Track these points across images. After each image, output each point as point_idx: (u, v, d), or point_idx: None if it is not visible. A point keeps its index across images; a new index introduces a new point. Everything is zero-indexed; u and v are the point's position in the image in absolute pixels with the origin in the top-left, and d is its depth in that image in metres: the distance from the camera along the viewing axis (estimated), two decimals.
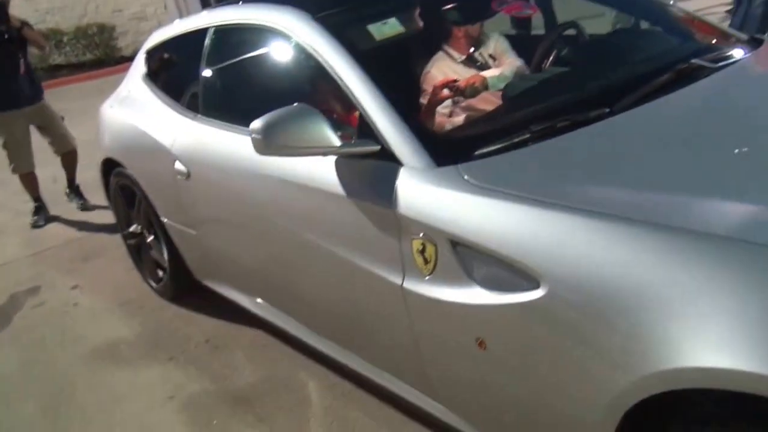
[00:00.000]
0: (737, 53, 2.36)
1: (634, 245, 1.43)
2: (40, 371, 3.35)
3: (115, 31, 12.60)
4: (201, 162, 2.86)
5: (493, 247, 1.65)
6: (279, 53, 2.63)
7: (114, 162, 3.70)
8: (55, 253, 4.80)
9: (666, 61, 2.28)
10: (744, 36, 2.60)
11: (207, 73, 3.02)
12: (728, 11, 6.82)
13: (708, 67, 2.20)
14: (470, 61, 2.68)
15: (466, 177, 1.82)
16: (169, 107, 3.24)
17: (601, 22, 2.97)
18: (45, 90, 5.45)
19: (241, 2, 2.96)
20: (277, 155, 2.09)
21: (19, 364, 3.45)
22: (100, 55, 12.37)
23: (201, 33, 3.06)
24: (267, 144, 2.01)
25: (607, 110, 2.00)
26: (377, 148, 2.02)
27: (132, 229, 3.87)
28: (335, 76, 2.22)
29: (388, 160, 2.00)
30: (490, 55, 2.75)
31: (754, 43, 2.53)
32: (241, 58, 2.94)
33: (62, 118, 5.48)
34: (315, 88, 2.48)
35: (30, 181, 5.42)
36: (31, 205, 5.50)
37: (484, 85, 2.48)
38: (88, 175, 5.57)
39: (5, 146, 5.29)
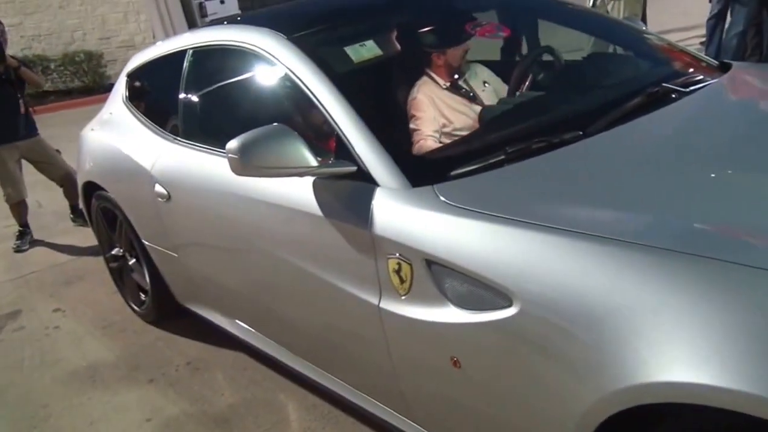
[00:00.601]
0: (707, 78, 2.38)
1: (604, 263, 1.42)
2: (17, 394, 3.28)
3: (103, 58, 12.56)
4: (181, 184, 2.83)
5: (467, 266, 1.63)
6: (255, 74, 2.62)
7: (95, 185, 3.66)
8: (38, 277, 4.74)
9: (638, 86, 2.29)
10: (714, 62, 2.63)
11: (185, 94, 3.00)
12: (702, 42, 6.93)
13: (679, 91, 2.21)
14: (455, 88, 2.66)
15: (441, 197, 1.80)
16: (150, 130, 3.22)
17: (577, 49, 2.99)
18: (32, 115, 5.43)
19: (225, 22, 2.96)
20: (253, 176, 2.06)
21: None
22: (89, 83, 12.31)
23: (179, 55, 3.05)
24: (243, 164, 1.99)
25: (581, 133, 2.00)
26: (353, 168, 2.01)
27: (114, 252, 3.83)
28: (312, 97, 2.21)
29: (365, 181, 1.98)
30: (485, 82, 2.75)
31: (723, 68, 2.55)
32: (219, 79, 2.93)
33: (58, 152, 5.45)
34: (292, 109, 2.47)
35: (20, 209, 5.40)
36: (14, 229, 5.43)
37: None
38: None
39: None
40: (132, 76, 3.66)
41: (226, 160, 2.05)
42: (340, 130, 2.09)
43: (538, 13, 3.14)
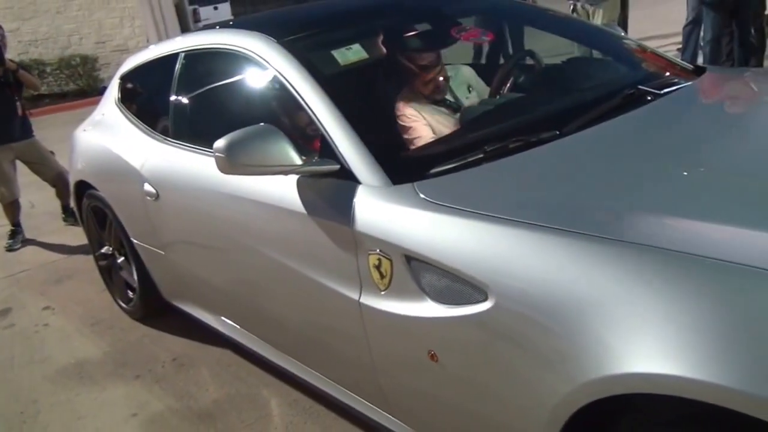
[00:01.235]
0: (681, 81, 2.40)
1: (576, 258, 1.43)
2: (6, 390, 3.26)
3: (97, 62, 12.56)
4: (169, 183, 2.84)
5: (444, 261, 1.64)
6: (245, 77, 2.63)
7: (86, 184, 3.66)
8: (29, 276, 4.72)
9: (614, 88, 2.32)
10: (689, 66, 2.66)
11: (177, 96, 3.00)
12: (678, 49, 7.00)
13: (653, 93, 2.23)
14: (438, 102, 2.61)
15: (421, 195, 1.82)
16: (140, 130, 3.22)
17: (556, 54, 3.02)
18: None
19: (217, 27, 2.97)
20: (239, 174, 2.08)
21: None
22: (83, 86, 12.30)
23: (171, 58, 3.06)
24: (230, 163, 2.00)
25: (557, 132, 2.02)
26: (336, 167, 2.02)
27: (103, 250, 3.83)
28: (299, 98, 2.23)
29: (347, 179, 1.99)
30: (469, 86, 2.75)
31: (698, 72, 2.58)
32: (210, 81, 2.94)
33: (52, 153, 5.45)
34: (280, 110, 2.48)
35: (12, 209, 5.38)
36: (6, 228, 5.41)
37: None
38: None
39: None
40: (125, 79, 3.66)
41: (213, 160, 2.06)
42: (325, 129, 2.10)
43: (521, 20, 3.17)
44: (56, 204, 5.67)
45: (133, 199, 3.13)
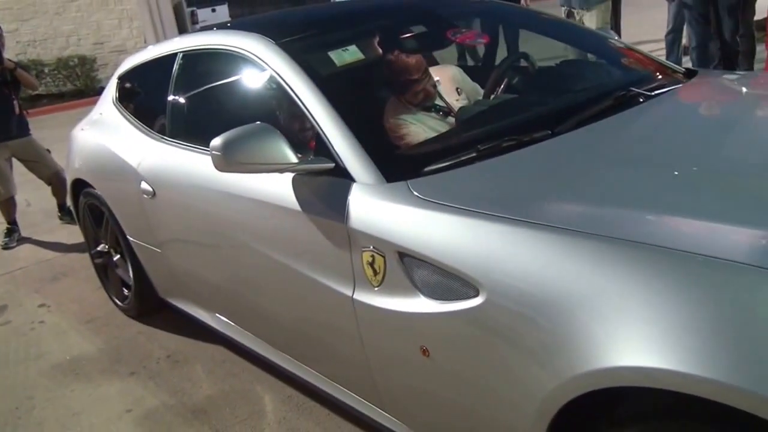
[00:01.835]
0: (672, 83, 2.43)
1: (567, 253, 1.45)
2: (2, 386, 3.26)
3: (96, 62, 12.55)
4: (166, 181, 2.85)
5: (437, 258, 1.66)
6: (243, 77, 2.65)
7: (83, 182, 3.66)
8: (25, 273, 4.71)
9: (606, 89, 2.35)
10: (681, 68, 2.68)
11: (174, 96, 3.02)
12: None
13: (644, 95, 2.25)
14: (427, 109, 2.57)
15: (414, 192, 1.83)
16: (138, 129, 3.23)
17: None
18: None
19: (214, 28, 2.99)
20: (235, 171, 2.09)
21: None
22: (81, 86, 12.29)
23: (169, 58, 3.07)
24: (226, 161, 2.02)
25: (549, 132, 2.04)
26: (332, 165, 2.04)
27: (99, 248, 3.83)
28: (295, 98, 2.25)
29: (342, 177, 2.01)
30: (458, 88, 2.77)
31: (689, 75, 2.61)
32: (208, 81, 2.96)
33: (48, 152, 5.44)
34: (277, 110, 2.50)
35: (8, 206, 5.37)
36: (2, 226, 5.41)
37: None
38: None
39: None
40: (123, 78, 3.67)
41: (210, 158, 2.08)
42: (320, 128, 2.12)
43: (516, 23, 3.19)
44: (52, 202, 5.67)
45: (129, 197, 3.14)
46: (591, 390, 1.35)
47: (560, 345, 1.40)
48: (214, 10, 15.12)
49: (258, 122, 2.07)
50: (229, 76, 2.76)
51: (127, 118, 3.39)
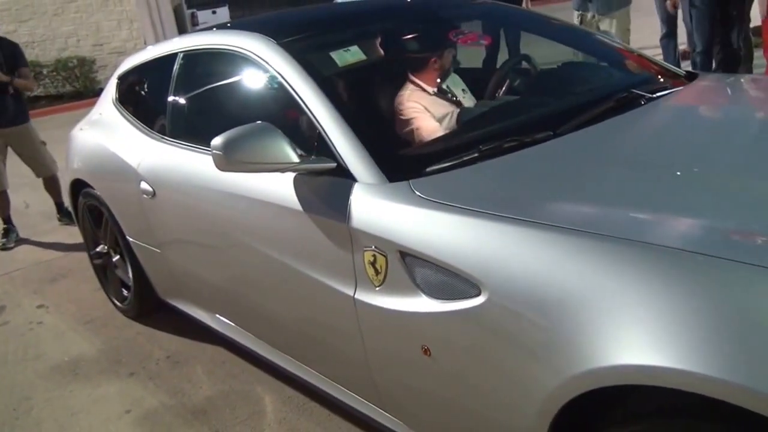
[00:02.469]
0: (674, 86, 2.44)
1: (569, 253, 1.46)
2: (0, 386, 3.26)
3: (95, 64, 12.54)
4: (166, 181, 2.85)
5: (439, 257, 1.67)
6: (244, 77, 2.65)
7: (82, 182, 3.67)
8: (23, 274, 4.71)
9: (607, 91, 2.36)
10: (681, 71, 2.69)
11: (175, 96, 3.02)
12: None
13: (646, 97, 2.26)
14: (441, 93, 2.67)
15: (416, 192, 1.84)
16: (137, 129, 3.23)
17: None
18: None
19: (214, 29, 2.99)
20: (236, 171, 2.10)
21: None
22: (80, 87, 12.27)
23: (170, 58, 3.08)
24: (227, 160, 2.02)
25: (551, 133, 2.05)
26: (333, 165, 2.04)
27: (99, 249, 3.83)
28: (297, 98, 2.25)
29: (344, 177, 2.02)
30: (463, 90, 2.78)
31: (689, 77, 2.62)
32: (208, 81, 2.97)
33: (43, 143, 5.41)
34: (278, 109, 2.50)
35: (1, 201, 5.31)
36: (1, 227, 5.40)
37: None
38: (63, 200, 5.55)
39: None
40: (122, 78, 3.67)
41: (210, 158, 2.08)
42: (322, 128, 2.13)
43: (518, 25, 3.20)
44: (50, 204, 5.66)
45: (129, 198, 3.14)
46: (593, 389, 1.36)
47: (562, 344, 1.40)
48: (214, 12, 15.12)
49: (259, 121, 2.08)
50: (230, 76, 2.76)
51: (126, 118, 3.39)
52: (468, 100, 2.74)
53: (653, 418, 1.36)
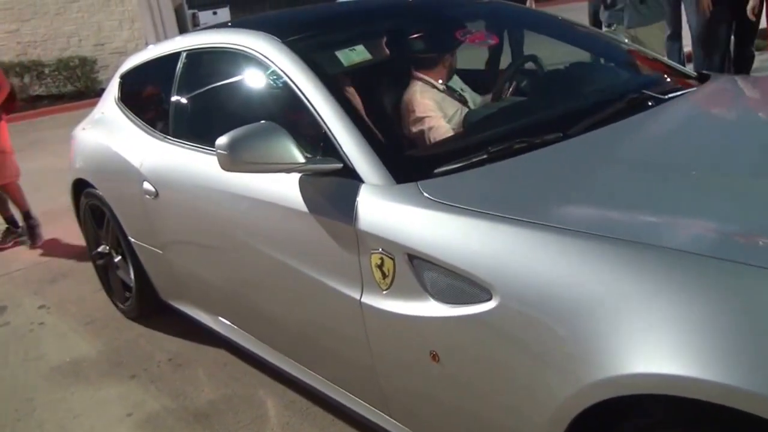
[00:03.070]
0: (686, 86, 2.39)
1: (584, 257, 1.41)
2: (1, 388, 3.22)
3: (96, 64, 12.50)
4: (169, 182, 2.81)
5: (448, 260, 1.62)
6: (249, 76, 2.62)
7: (84, 182, 3.63)
8: (24, 274, 4.67)
9: (618, 92, 2.32)
10: (692, 72, 2.65)
11: (178, 95, 2.98)
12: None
13: (658, 98, 2.22)
14: (450, 91, 2.64)
15: (425, 194, 1.80)
16: (140, 129, 3.19)
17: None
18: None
19: (218, 27, 2.96)
20: (241, 171, 2.06)
21: None
22: (81, 87, 12.24)
23: (173, 57, 3.04)
24: (232, 160, 1.98)
25: (561, 134, 2.01)
26: (339, 165, 2.00)
27: (100, 249, 3.79)
28: (302, 97, 2.21)
29: (350, 178, 1.98)
30: (461, 89, 2.75)
31: (701, 78, 2.57)
32: (212, 80, 2.93)
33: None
34: (283, 109, 2.46)
35: None
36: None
37: None
38: (62, 201, 5.49)
39: None
40: (125, 78, 3.63)
41: (214, 158, 2.04)
42: (328, 128, 2.09)
43: (524, 24, 3.16)
44: (53, 204, 5.59)
45: (131, 198, 3.10)
46: (608, 398, 1.31)
47: (577, 351, 1.36)
48: (215, 13, 15.10)
49: (265, 121, 2.04)
50: (234, 75, 2.72)
51: (129, 118, 3.35)
52: (470, 100, 2.71)
53: (670, 429, 1.32)
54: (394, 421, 2.05)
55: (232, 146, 1.96)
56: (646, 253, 1.35)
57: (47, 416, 2.92)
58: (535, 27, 3.08)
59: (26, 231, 5.23)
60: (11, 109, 5.15)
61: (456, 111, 2.51)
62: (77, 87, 12.33)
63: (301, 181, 2.10)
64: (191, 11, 14.82)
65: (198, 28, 13.09)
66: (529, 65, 2.85)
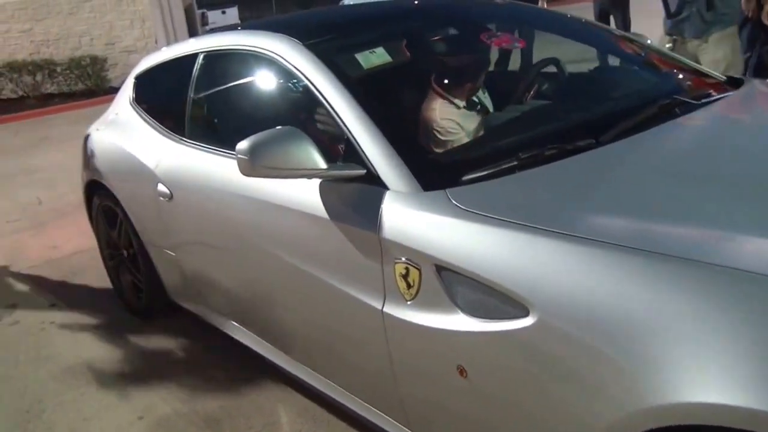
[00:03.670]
0: (719, 92, 2.28)
1: (631, 275, 1.31)
2: (11, 388, 3.12)
3: (107, 62, 12.40)
4: (184, 184, 2.72)
5: (481, 273, 1.52)
6: (268, 79, 2.52)
7: (98, 183, 3.53)
8: (35, 272, 4.57)
9: (650, 96, 2.21)
10: (722, 77, 2.53)
11: (195, 97, 2.88)
12: None
13: (691, 104, 2.11)
14: (471, 106, 2.48)
15: (454, 202, 1.70)
16: (155, 130, 3.10)
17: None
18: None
19: (236, 29, 2.86)
20: (262, 176, 1.96)
21: None
22: (91, 86, 12.13)
23: (189, 59, 2.94)
24: (253, 165, 1.89)
25: (593, 141, 1.90)
26: (363, 171, 1.91)
27: (112, 250, 3.69)
28: (323, 101, 2.12)
29: (374, 184, 1.88)
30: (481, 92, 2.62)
31: (734, 83, 2.45)
32: (230, 82, 2.83)
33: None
34: (303, 113, 2.37)
35: None
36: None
37: None
38: (73, 198, 5.42)
39: None
40: (140, 78, 3.53)
41: (231, 161, 1.96)
42: (350, 132, 1.99)
43: (541, 26, 3.04)
44: (63, 201, 5.52)
45: (145, 200, 3.01)
46: (657, 427, 1.21)
47: (623, 375, 1.26)
48: (224, 12, 15.05)
49: (287, 126, 1.95)
50: (253, 78, 2.63)
51: (144, 119, 3.25)
52: (489, 103, 2.59)
53: None
54: None
55: (253, 151, 1.88)
56: (705, 272, 1.25)
57: (57, 418, 2.83)
58: (549, 28, 2.96)
59: None
60: None
61: (478, 124, 2.39)
62: (88, 85, 12.23)
63: (322, 187, 2.00)
64: (200, 11, 14.74)
65: (206, 28, 13.04)
66: (552, 68, 2.73)
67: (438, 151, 2.18)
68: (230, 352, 3.06)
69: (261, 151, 1.88)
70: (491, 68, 3.10)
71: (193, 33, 12.48)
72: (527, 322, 1.42)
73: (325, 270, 2.03)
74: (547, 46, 2.93)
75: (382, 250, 1.80)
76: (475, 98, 2.47)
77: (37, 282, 4.38)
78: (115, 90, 4.01)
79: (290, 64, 2.28)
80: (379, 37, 2.54)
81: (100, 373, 3.14)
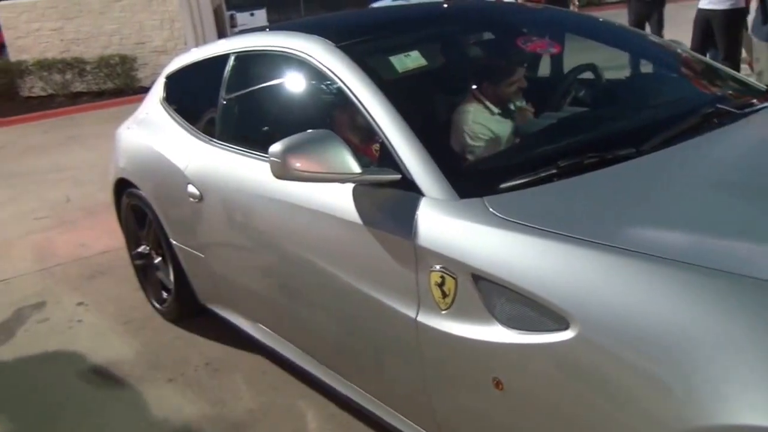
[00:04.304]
0: (762, 102, 2.22)
1: (678, 290, 1.27)
2: (36, 385, 3.14)
3: (136, 62, 12.50)
4: (215, 186, 2.71)
5: (520, 284, 1.49)
6: (300, 80, 2.51)
7: (127, 182, 3.54)
8: (63, 270, 4.60)
9: (691, 106, 2.15)
10: (763, 86, 2.47)
11: (226, 98, 2.87)
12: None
13: (734, 113, 2.06)
14: (506, 112, 2.43)
15: (491, 210, 1.66)
16: (186, 131, 3.09)
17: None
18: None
19: (267, 29, 2.84)
20: (295, 179, 1.93)
21: (17, 378, 3.24)
22: (120, 85, 12.24)
23: (221, 59, 2.93)
24: (286, 168, 1.87)
25: (634, 150, 1.86)
26: (398, 177, 1.88)
27: (140, 249, 3.70)
28: (358, 104, 2.09)
29: (409, 190, 1.85)
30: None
31: None
32: (262, 83, 2.81)
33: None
34: (337, 116, 2.35)
35: None
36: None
37: None
38: (101, 197, 5.45)
39: None
40: (171, 78, 3.53)
41: (263, 164, 1.94)
42: (386, 137, 1.96)
43: (581, 32, 2.98)
44: (92, 200, 5.55)
45: (175, 200, 3.00)
46: None
47: (667, 393, 1.22)
48: (252, 14, 15.13)
49: (321, 129, 1.92)
50: (286, 79, 2.61)
51: (174, 119, 3.25)
52: (527, 111, 2.55)
53: None
54: None
55: (286, 154, 1.85)
56: (753, 289, 1.20)
57: (82, 417, 2.83)
58: (595, 35, 2.91)
59: None
60: None
61: (512, 131, 2.34)
62: (116, 84, 12.33)
63: (355, 192, 1.98)
64: (229, 12, 14.83)
65: (235, 30, 13.09)
66: (589, 75, 2.68)
67: (471, 157, 2.14)
68: (257, 355, 3.05)
69: (294, 153, 1.85)
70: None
71: (221, 34, 12.53)
72: (567, 335, 1.38)
73: (357, 276, 2.01)
74: (581, 52, 2.88)
75: (417, 257, 1.76)
76: (511, 105, 2.42)
77: (66, 279, 4.40)
78: (144, 90, 4.03)
79: (324, 65, 2.26)
80: (413, 40, 2.51)
81: (125, 373, 3.14)
